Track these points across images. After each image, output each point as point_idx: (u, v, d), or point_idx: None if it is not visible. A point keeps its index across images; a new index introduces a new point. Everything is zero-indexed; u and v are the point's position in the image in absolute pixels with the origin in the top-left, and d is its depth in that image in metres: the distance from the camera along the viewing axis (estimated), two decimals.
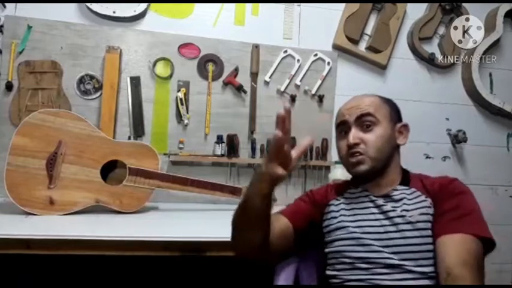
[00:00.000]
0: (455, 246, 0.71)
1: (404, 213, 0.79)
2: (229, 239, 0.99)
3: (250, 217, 0.76)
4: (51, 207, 1.19)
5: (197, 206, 1.48)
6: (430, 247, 0.76)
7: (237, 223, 0.80)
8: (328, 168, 1.65)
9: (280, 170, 0.70)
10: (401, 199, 0.82)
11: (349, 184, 0.93)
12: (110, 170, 1.30)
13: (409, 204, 0.81)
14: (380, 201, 0.84)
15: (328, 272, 0.85)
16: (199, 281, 1.34)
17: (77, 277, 1.31)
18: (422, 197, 0.82)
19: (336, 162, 1.59)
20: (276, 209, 1.48)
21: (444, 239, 0.73)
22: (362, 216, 0.83)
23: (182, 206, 1.47)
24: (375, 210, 0.83)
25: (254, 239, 0.78)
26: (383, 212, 0.82)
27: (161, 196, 1.43)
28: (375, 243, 0.78)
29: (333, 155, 1.65)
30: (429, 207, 0.80)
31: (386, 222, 0.80)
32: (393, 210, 0.81)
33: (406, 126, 0.90)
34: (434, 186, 0.83)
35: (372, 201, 0.85)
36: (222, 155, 1.55)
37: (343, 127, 0.87)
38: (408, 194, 0.83)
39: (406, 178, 0.87)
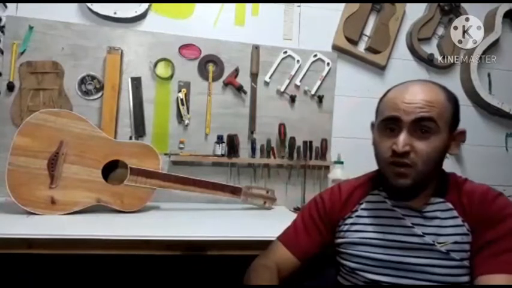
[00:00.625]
0: None
1: (434, 238, 0.68)
2: (230, 238, 1.00)
3: None
4: (53, 207, 1.19)
5: (198, 206, 1.48)
6: (460, 279, 0.66)
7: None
8: (327, 168, 1.66)
9: None
10: (432, 218, 0.70)
11: (370, 186, 0.80)
12: (111, 169, 1.30)
13: (441, 227, 0.69)
14: (406, 219, 0.72)
15: (341, 280, 0.79)
16: (201, 280, 1.35)
17: (78, 277, 1.32)
18: (459, 220, 0.69)
19: (335, 162, 1.60)
20: (276, 209, 1.50)
21: (487, 280, 0.62)
22: (382, 235, 0.73)
23: (183, 205, 1.48)
24: (397, 230, 0.72)
25: None
26: (407, 235, 0.71)
27: (162, 196, 1.43)
28: (394, 266, 0.70)
29: (332, 155, 1.66)
30: (466, 234, 0.68)
31: (409, 245, 0.70)
32: (420, 235, 0.69)
33: (464, 134, 0.74)
34: (472, 202, 0.69)
35: (398, 218, 0.73)
36: (223, 155, 1.55)
37: (391, 123, 0.70)
38: (442, 212, 0.71)
39: (444, 187, 0.74)
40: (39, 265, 1.26)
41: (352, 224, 0.78)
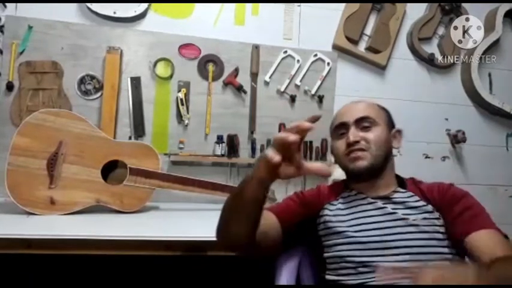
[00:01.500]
0: (490, 241, 0.72)
1: (406, 216, 0.79)
2: None
3: (241, 204, 0.72)
4: (52, 207, 1.19)
5: (198, 206, 1.48)
6: (436, 249, 0.76)
7: (226, 210, 0.76)
8: None
9: (277, 158, 0.62)
10: (401, 202, 0.82)
11: (343, 186, 0.92)
12: (110, 170, 1.30)
13: (410, 208, 0.81)
14: (379, 203, 0.83)
15: (330, 277, 0.83)
16: (201, 280, 1.34)
17: (77, 277, 1.32)
18: (422, 202, 0.82)
19: (336, 162, 1.59)
20: None
21: (475, 237, 0.73)
22: (362, 220, 0.82)
23: (183, 205, 1.47)
24: (374, 212, 0.82)
25: (240, 230, 0.74)
26: (384, 214, 0.81)
27: (162, 196, 1.43)
28: (377, 246, 0.77)
29: None
30: (431, 212, 0.80)
31: (387, 224, 0.79)
32: (394, 213, 0.80)
33: (400, 131, 0.91)
34: (433, 194, 0.83)
35: (371, 203, 0.84)
36: (222, 155, 1.55)
37: (341, 129, 0.87)
38: (407, 198, 0.83)
39: (402, 182, 0.88)
40: (39, 265, 1.26)
41: (333, 215, 0.86)
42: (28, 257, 0.96)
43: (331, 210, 0.87)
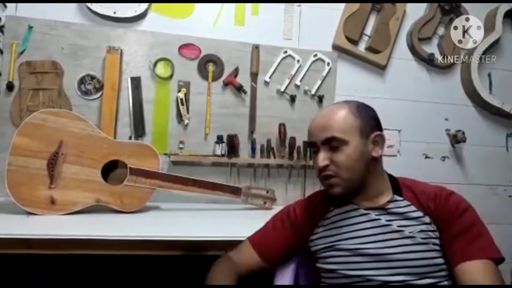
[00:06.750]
0: (480, 276, 0.69)
1: (402, 228, 0.77)
2: (230, 238, 1.01)
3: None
4: (52, 207, 1.19)
5: (198, 206, 1.48)
6: (434, 261, 0.74)
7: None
8: None
9: None
10: (396, 213, 0.79)
11: (332, 198, 0.88)
12: (110, 169, 1.30)
13: (406, 219, 0.78)
14: (373, 215, 0.80)
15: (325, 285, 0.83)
16: (201, 280, 1.34)
17: (78, 277, 1.32)
18: (419, 213, 0.78)
19: None
20: (276, 209, 1.49)
21: (467, 267, 0.71)
22: (356, 233, 0.80)
23: (183, 205, 1.48)
24: (367, 224, 0.80)
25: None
26: (377, 227, 0.79)
27: (162, 196, 1.43)
28: (372, 258, 0.76)
29: None
30: (428, 223, 0.77)
31: (382, 236, 0.77)
32: (389, 225, 0.78)
33: (381, 136, 0.82)
34: (429, 203, 0.79)
35: (363, 214, 0.81)
36: (222, 155, 1.55)
37: (313, 147, 0.84)
38: (403, 207, 0.80)
39: (397, 187, 0.84)
40: (39, 265, 1.26)
41: (325, 230, 0.85)
42: (28, 257, 0.96)
43: (324, 226, 0.85)
